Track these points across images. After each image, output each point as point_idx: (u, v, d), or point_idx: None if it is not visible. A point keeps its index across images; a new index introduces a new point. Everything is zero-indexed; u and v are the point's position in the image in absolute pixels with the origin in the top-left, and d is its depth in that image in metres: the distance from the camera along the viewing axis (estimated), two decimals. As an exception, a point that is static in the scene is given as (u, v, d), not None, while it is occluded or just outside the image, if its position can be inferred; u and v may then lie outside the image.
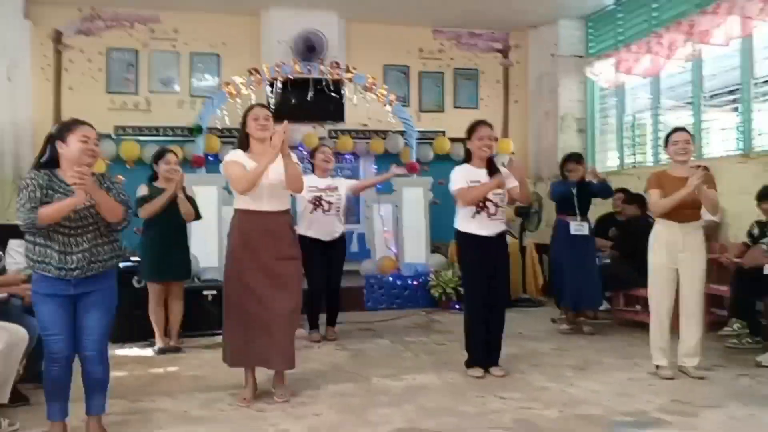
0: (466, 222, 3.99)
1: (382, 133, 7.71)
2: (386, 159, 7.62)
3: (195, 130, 6.85)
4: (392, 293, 6.56)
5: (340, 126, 7.74)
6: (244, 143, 3.62)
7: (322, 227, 4.96)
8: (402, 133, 7.57)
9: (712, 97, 6.16)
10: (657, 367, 3.94)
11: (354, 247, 7.60)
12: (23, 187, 2.76)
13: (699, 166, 5.09)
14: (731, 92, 5.93)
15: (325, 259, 4.99)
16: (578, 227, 5.14)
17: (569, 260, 5.14)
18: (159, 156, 4.77)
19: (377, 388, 3.77)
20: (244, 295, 3.46)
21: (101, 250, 2.85)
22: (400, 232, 6.92)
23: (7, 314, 3.40)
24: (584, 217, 5.22)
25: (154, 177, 4.78)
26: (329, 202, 4.96)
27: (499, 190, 3.96)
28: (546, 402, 3.47)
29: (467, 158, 4.11)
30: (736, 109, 5.89)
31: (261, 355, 3.49)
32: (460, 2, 7.51)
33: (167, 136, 7.20)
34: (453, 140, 7.85)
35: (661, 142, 6.73)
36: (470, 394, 3.62)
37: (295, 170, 3.49)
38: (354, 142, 7.68)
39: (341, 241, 5.15)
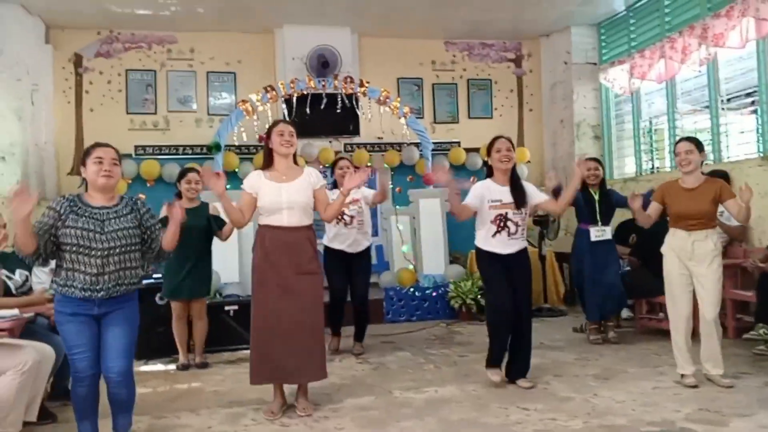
0: (486, 241, 3.97)
1: (398, 146, 7.75)
2: (402, 171, 7.66)
3: (213, 148, 6.95)
4: (412, 305, 6.55)
5: (355, 140, 7.80)
6: (267, 158, 3.67)
7: (346, 239, 4.95)
8: (417, 144, 7.61)
9: (729, 100, 6.11)
10: (681, 375, 3.89)
11: (373, 259, 7.60)
12: (39, 218, 2.83)
13: (715, 173, 5.08)
14: (749, 95, 5.87)
15: (347, 270, 4.97)
16: (599, 233, 5.08)
17: (591, 269, 5.08)
18: (181, 175, 4.86)
19: (399, 401, 3.77)
20: (267, 310, 3.51)
21: (128, 274, 2.90)
22: (417, 244, 6.93)
23: (34, 333, 3.48)
24: (605, 223, 5.15)
25: (179, 195, 4.86)
26: (351, 216, 4.94)
27: (520, 210, 3.94)
28: (570, 413, 3.43)
29: (489, 173, 4.10)
30: (754, 112, 5.82)
31: (285, 370, 3.51)
32: (471, 13, 7.55)
33: (186, 154, 7.31)
34: (468, 150, 7.87)
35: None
36: (493, 405, 3.60)
37: (337, 211, 3.76)
38: (370, 155, 7.72)
39: (366, 254, 5.11)
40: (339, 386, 4.10)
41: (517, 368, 4.03)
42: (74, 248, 2.78)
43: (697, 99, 6.54)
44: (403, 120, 7.36)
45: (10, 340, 3.21)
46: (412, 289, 6.59)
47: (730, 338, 5.01)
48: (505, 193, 3.94)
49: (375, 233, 7.70)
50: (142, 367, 4.73)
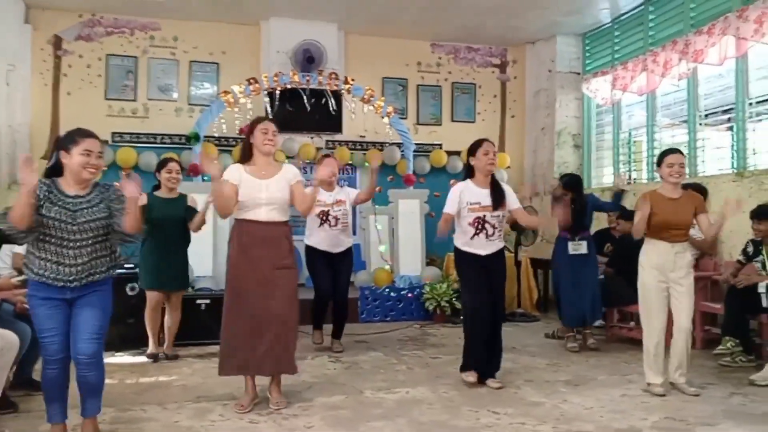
0: (466, 242, 4.03)
1: (380, 145, 7.74)
2: (383, 171, 7.63)
3: (192, 138, 6.85)
4: (387, 305, 6.54)
5: (337, 137, 7.76)
6: (247, 153, 3.64)
7: (329, 240, 4.93)
8: (399, 145, 7.60)
9: (707, 115, 6.22)
10: (649, 384, 3.94)
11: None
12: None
13: (690, 186, 5.16)
14: (726, 111, 5.99)
15: (330, 270, 4.95)
16: (576, 247, 5.15)
17: (569, 276, 5.13)
18: (161, 165, 4.77)
19: (370, 401, 3.75)
20: (241, 303, 3.50)
21: (100, 262, 2.86)
22: (395, 244, 6.92)
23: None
24: (582, 234, 5.19)
25: (157, 186, 4.78)
26: (336, 218, 4.93)
27: (498, 213, 3.98)
28: (539, 417, 3.45)
29: (469, 174, 4.12)
30: (730, 128, 5.93)
31: (259, 362, 3.50)
32: (459, 17, 7.57)
33: (164, 143, 7.20)
34: (449, 153, 7.89)
35: (656, 159, 6.83)
36: (464, 408, 3.61)
37: (311, 201, 3.69)
38: (351, 153, 7.69)
39: (348, 253, 5.12)
40: (310, 384, 4.07)
41: (488, 368, 4.07)
42: (46, 237, 2.75)
43: (676, 113, 6.65)
44: (386, 119, 7.34)
45: (-28, 326, 3.12)
46: (387, 290, 6.58)
47: (697, 349, 5.10)
48: (484, 196, 3.99)
49: (353, 232, 7.71)
50: (110, 359, 4.63)
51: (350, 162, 7.74)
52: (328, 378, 4.28)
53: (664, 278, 3.88)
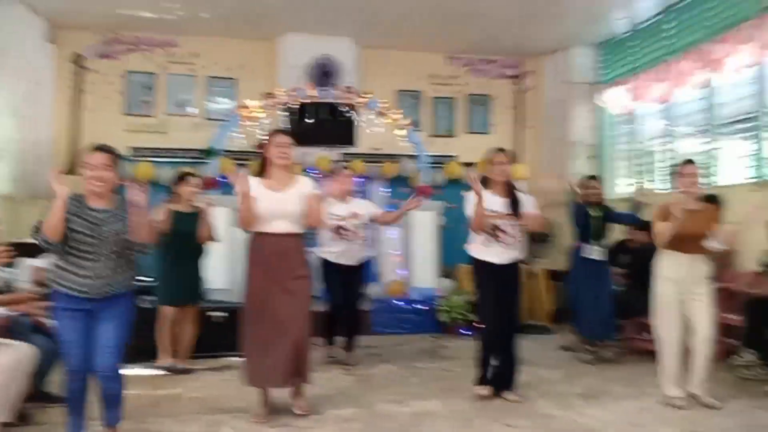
0: (480, 249, 4.01)
1: (394, 157, 7.75)
2: (398, 183, 7.65)
3: (209, 153, 6.94)
4: (400, 317, 6.52)
5: (352, 150, 7.80)
6: (262, 167, 3.71)
7: (345, 253, 4.93)
8: (414, 157, 7.61)
9: (725, 125, 6.13)
10: (668, 396, 3.87)
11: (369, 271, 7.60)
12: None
13: (708, 197, 5.08)
14: (744, 120, 5.89)
15: (345, 282, 4.95)
16: (592, 250, 5.10)
17: (585, 289, 5.08)
18: (181, 178, 4.80)
19: (382, 414, 3.74)
20: (259, 315, 3.58)
21: (121, 275, 2.94)
22: (409, 256, 6.91)
23: (16, 332, 3.46)
24: (598, 242, 5.14)
25: (172, 198, 4.79)
26: (351, 231, 4.92)
27: (515, 221, 3.98)
28: (554, 430, 3.42)
29: (485, 183, 4.11)
30: (749, 137, 5.84)
31: (280, 374, 3.55)
32: (474, 29, 7.59)
33: (182, 158, 7.29)
34: (464, 165, 7.87)
35: (671, 170, 6.74)
36: (477, 421, 3.58)
37: (318, 216, 3.76)
38: (366, 165, 7.72)
39: (365, 266, 5.14)
40: (322, 397, 4.07)
41: (503, 381, 4.03)
42: (71, 250, 2.84)
43: (693, 123, 6.57)
44: (400, 132, 7.36)
45: (-8, 338, 3.19)
46: (400, 301, 6.56)
47: (717, 361, 5.00)
48: (500, 204, 3.99)
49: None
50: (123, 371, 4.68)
51: (365, 174, 7.76)
52: (340, 390, 4.28)
53: (680, 289, 3.83)
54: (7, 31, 6.64)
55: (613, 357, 5.10)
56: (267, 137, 3.77)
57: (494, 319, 3.97)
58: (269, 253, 3.59)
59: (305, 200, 3.66)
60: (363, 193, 7.49)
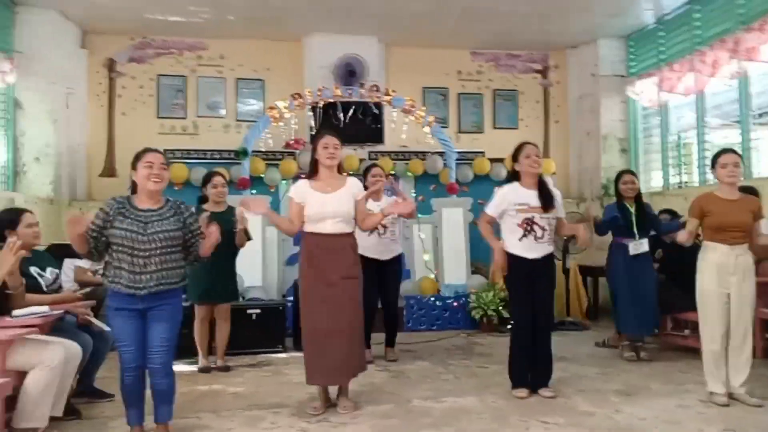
0: (513, 244, 3.98)
1: (422, 155, 7.76)
2: (426, 180, 7.66)
3: (241, 153, 7.04)
4: (432, 314, 6.53)
5: (379, 148, 7.83)
6: (313, 169, 3.79)
7: (378, 248, 4.94)
8: (441, 154, 7.61)
9: (760, 115, 6.01)
10: (711, 393, 3.81)
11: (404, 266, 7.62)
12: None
13: (746, 189, 4.99)
14: (781, 110, 5.77)
15: (378, 278, 4.93)
16: (637, 246, 4.95)
17: (629, 283, 4.95)
18: (207, 179, 4.91)
19: (418, 410, 3.76)
20: (315, 313, 3.66)
21: (169, 273, 3.03)
22: (440, 253, 6.92)
23: (63, 330, 3.56)
24: (643, 236, 5.00)
25: (203, 199, 4.91)
26: (384, 226, 4.93)
27: (548, 214, 3.94)
28: (591, 428, 3.39)
29: (514, 178, 4.09)
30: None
31: (337, 371, 3.65)
32: (498, 24, 7.56)
33: (214, 159, 7.40)
34: (492, 160, 7.83)
35: (707, 161, 6.62)
36: (513, 418, 3.57)
37: (373, 224, 3.91)
38: (394, 163, 7.74)
39: (397, 261, 5.15)
40: (358, 393, 4.11)
41: (538, 377, 4.02)
42: (119, 248, 2.95)
43: (728, 113, 6.45)
44: (427, 129, 7.37)
45: (40, 336, 3.29)
46: (433, 299, 6.58)
47: (758, 358, 4.90)
48: (532, 197, 3.95)
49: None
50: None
51: (393, 172, 7.78)
52: (375, 387, 4.31)
53: (724, 282, 3.75)
54: (42, 38, 6.83)
55: (649, 356, 5.00)
56: (314, 139, 3.81)
57: (527, 316, 3.94)
58: (319, 253, 3.65)
59: (355, 202, 3.73)
60: (390, 191, 7.56)
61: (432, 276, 6.85)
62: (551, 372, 4.06)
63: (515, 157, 4.06)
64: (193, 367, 4.85)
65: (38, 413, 3.12)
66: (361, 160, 7.70)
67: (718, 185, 3.93)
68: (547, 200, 3.95)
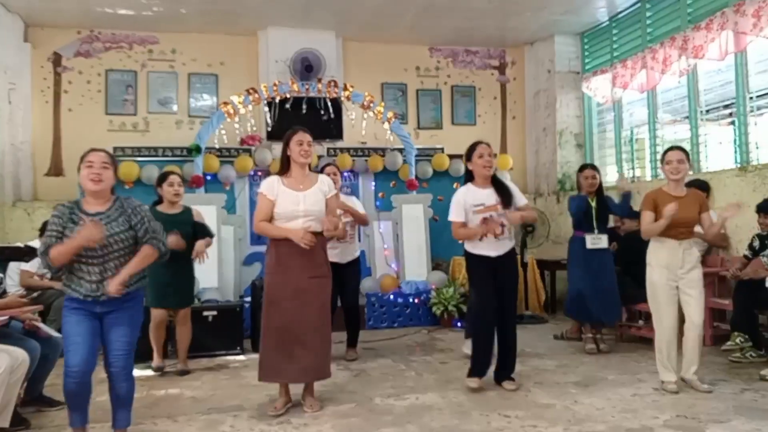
0: (474, 244, 4.00)
1: (381, 151, 7.74)
2: (385, 176, 7.65)
3: (193, 150, 6.87)
4: (393, 311, 6.53)
5: (338, 144, 7.77)
6: (284, 165, 3.71)
7: (336, 251, 4.82)
8: (401, 150, 7.60)
9: (708, 111, 6.21)
10: (663, 382, 3.93)
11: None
12: (48, 226, 2.89)
13: (693, 182, 5.14)
14: (727, 106, 5.98)
15: (338, 281, 4.70)
16: (595, 240, 5.02)
17: (588, 276, 5.00)
18: (162, 179, 4.73)
19: (380, 408, 3.74)
20: (278, 312, 3.59)
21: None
22: (400, 250, 6.92)
23: (8, 337, 3.40)
24: (602, 230, 5.08)
25: (159, 200, 4.74)
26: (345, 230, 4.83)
27: (506, 211, 3.96)
28: (550, 420, 3.44)
29: (469, 178, 4.12)
30: (732, 123, 5.92)
31: (296, 371, 3.59)
32: (456, 20, 7.59)
33: (166, 156, 7.19)
34: (451, 157, 7.88)
35: (659, 156, 6.82)
36: (474, 413, 3.59)
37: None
38: (353, 159, 7.70)
39: (355, 262, 5.12)
40: (319, 393, 4.05)
41: (502, 370, 4.08)
42: (74, 257, 2.81)
43: (678, 109, 6.65)
44: (386, 125, 7.35)
45: (-18, 344, 3.13)
46: (393, 295, 6.57)
47: (707, 346, 5.08)
48: (487, 196, 3.98)
49: (358, 238, 7.71)
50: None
51: (351, 168, 7.74)
52: (337, 386, 4.27)
53: (673, 276, 3.87)
54: (-18, 31, 6.50)
55: (608, 348, 5.09)
56: (286, 135, 3.73)
57: (484, 313, 3.98)
58: (290, 252, 3.58)
59: (326, 200, 3.68)
60: (351, 188, 7.51)
61: (393, 274, 6.84)
62: (514, 366, 4.12)
63: (468, 157, 4.08)
64: (147, 372, 4.70)
65: (-19, 425, 2.97)
66: (319, 157, 7.63)
67: (667, 182, 4.03)
68: (505, 197, 3.98)
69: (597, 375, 4.38)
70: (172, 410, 3.78)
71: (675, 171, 3.90)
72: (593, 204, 5.07)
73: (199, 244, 4.59)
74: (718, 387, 3.95)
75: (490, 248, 3.97)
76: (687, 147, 6.34)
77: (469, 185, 4.07)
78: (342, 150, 7.72)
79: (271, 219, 3.64)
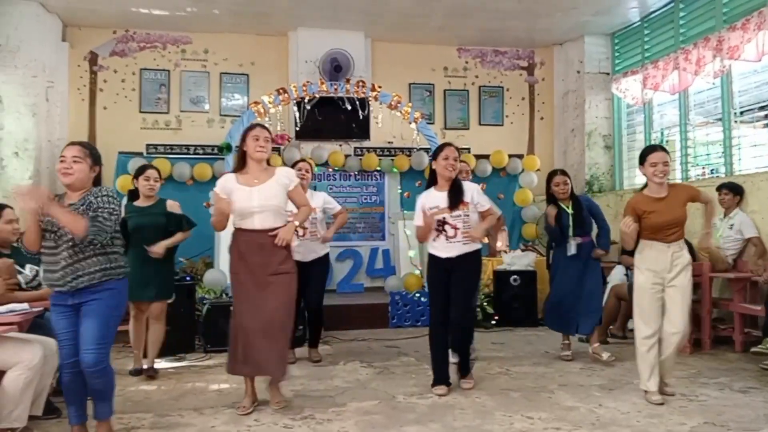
0: (430, 244, 4.08)
1: (407, 151, 7.76)
2: (411, 176, 7.67)
3: (224, 149, 6.98)
4: (417, 310, 6.54)
5: (365, 144, 7.82)
6: (240, 161, 3.69)
7: (299, 249, 4.56)
8: (427, 150, 7.60)
9: (742, 113, 6.07)
10: (646, 392, 3.80)
11: (379, 263, 7.62)
12: None
13: (726, 185, 5.01)
14: (762, 108, 5.84)
15: (302, 280, 4.30)
16: (571, 246, 4.79)
17: (565, 286, 4.83)
18: (139, 172, 4.56)
19: (403, 406, 3.76)
20: (242, 308, 3.61)
21: (85, 264, 2.89)
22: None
23: (41, 327, 3.50)
24: (585, 233, 4.84)
25: (134, 194, 4.60)
26: (304, 228, 4.65)
27: (459, 212, 3.94)
28: (574, 422, 3.41)
29: (432, 181, 4.12)
30: (767, 125, 5.78)
31: (255, 364, 3.59)
32: (484, 21, 7.57)
33: (197, 154, 7.35)
34: (478, 157, 7.86)
35: (690, 158, 6.70)
36: (497, 413, 3.59)
37: (304, 217, 3.84)
38: (379, 159, 7.74)
39: (319, 261, 4.92)
40: (343, 389, 4.10)
41: (460, 370, 4.16)
42: (44, 249, 2.91)
43: (710, 111, 6.51)
44: (413, 125, 7.37)
45: (19, 334, 3.24)
46: (417, 294, 6.58)
47: (737, 352, 4.98)
48: (441, 199, 4.00)
49: (382, 237, 7.75)
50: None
51: (378, 168, 7.78)
52: (360, 383, 4.30)
53: (660, 280, 3.72)
54: (23, 31, 6.72)
55: (612, 358, 4.79)
56: (244, 130, 3.71)
57: (438, 314, 4.01)
58: (249, 249, 3.57)
59: (285, 192, 3.63)
60: (376, 187, 7.55)
61: (417, 272, 6.85)
62: (468, 364, 4.16)
63: (435, 157, 4.07)
64: (176, 364, 4.80)
65: (17, 413, 3.07)
66: (346, 156, 7.71)
67: (647, 184, 3.83)
68: (454, 199, 3.95)
69: (623, 379, 4.33)
70: (198, 403, 3.86)
71: (661, 173, 3.71)
72: (569, 210, 4.83)
73: (164, 243, 4.43)
74: (749, 394, 3.88)
75: (441, 249, 4.00)
76: (719, 149, 6.24)
77: (431, 189, 4.10)
78: (368, 150, 7.77)
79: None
